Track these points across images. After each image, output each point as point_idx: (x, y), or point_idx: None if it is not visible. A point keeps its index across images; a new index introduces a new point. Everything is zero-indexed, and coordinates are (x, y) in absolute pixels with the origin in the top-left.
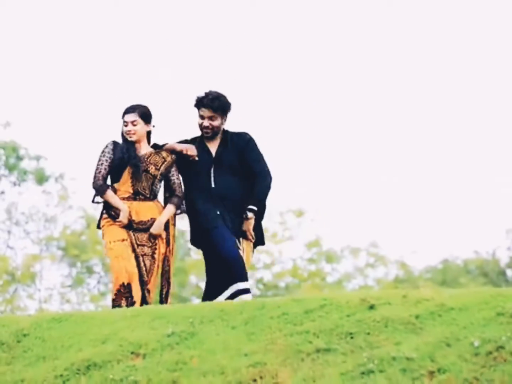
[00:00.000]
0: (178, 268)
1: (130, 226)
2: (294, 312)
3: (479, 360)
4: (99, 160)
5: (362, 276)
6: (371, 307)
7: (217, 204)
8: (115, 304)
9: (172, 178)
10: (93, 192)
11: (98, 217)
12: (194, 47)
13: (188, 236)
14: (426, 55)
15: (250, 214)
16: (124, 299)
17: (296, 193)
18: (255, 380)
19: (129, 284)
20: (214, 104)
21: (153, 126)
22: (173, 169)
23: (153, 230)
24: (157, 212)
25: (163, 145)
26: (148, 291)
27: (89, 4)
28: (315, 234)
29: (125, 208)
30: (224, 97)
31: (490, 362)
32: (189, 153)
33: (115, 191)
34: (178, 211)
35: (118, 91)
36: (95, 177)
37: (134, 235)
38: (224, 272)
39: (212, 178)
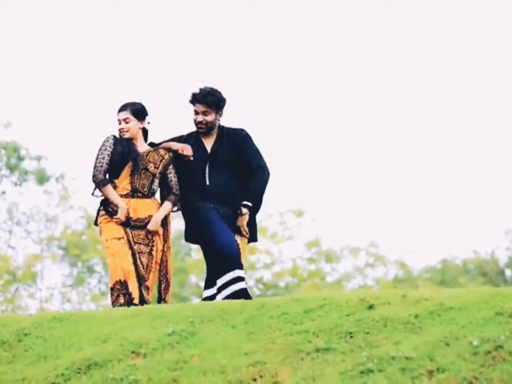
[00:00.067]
0: (178, 268)
1: (127, 223)
2: (294, 312)
3: (478, 360)
4: (100, 153)
5: (362, 276)
6: (371, 306)
7: (212, 201)
8: (112, 300)
9: (169, 176)
10: (92, 186)
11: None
12: (194, 46)
13: None
14: (426, 55)
15: (244, 210)
16: (121, 295)
17: (296, 193)
18: (255, 379)
19: (125, 282)
20: (207, 99)
21: (148, 123)
22: (171, 167)
23: (150, 226)
24: (155, 209)
25: (160, 143)
26: (147, 288)
27: (89, 4)
28: (315, 234)
29: (124, 206)
30: (218, 92)
31: (489, 362)
32: (184, 152)
33: (114, 187)
34: (175, 208)
35: (118, 91)
36: (96, 169)
37: (131, 232)
38: (221, 261)
39: (207, 176)
